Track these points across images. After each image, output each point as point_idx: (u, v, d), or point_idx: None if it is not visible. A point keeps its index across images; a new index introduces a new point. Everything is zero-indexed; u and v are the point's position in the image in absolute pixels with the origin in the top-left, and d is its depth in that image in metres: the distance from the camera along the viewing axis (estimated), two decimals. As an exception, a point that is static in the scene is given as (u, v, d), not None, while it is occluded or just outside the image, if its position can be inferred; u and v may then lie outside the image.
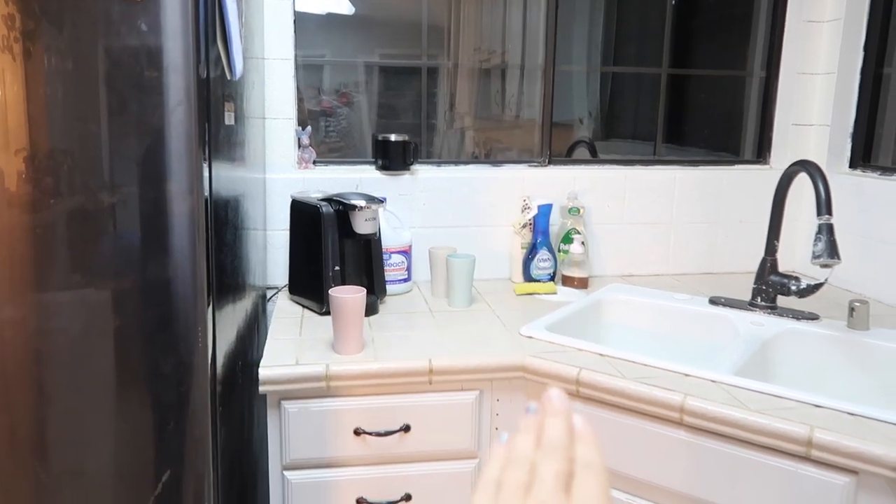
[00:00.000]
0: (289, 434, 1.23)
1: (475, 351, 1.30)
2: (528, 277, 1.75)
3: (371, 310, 1.48)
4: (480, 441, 1.31)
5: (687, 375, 1.19)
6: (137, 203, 0.88)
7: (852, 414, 1.05)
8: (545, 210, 1.74)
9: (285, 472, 1.25)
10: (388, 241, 1.64)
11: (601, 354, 1.28)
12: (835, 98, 1.87)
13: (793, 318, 1.48)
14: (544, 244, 1.74)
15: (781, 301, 1.53)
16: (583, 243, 1.75)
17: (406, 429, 1.26)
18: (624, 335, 1.63)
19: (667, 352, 1.56)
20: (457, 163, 1.84)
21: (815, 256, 1.28)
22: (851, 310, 1.42)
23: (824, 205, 1.30)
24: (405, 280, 1.69)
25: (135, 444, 0.90)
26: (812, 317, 1.48)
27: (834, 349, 1.40)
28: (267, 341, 1.33)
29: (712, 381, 1.17)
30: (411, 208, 1.77)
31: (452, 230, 1.80)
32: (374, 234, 1.52)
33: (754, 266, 1.74)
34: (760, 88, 2.00)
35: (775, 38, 1.93)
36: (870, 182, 1.73)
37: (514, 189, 1.81)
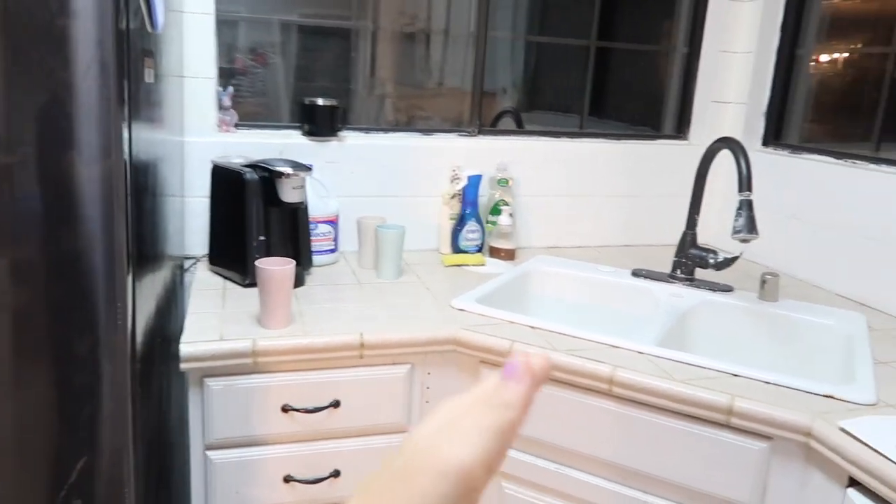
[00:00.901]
0: (212, 413, 1.18)
1: (407, 324, 1.28)
2: (457, 249, 1.74)
3: (298, 281, 1.43)
4: (411, 415, 1.29)
5: (615, 347, 1.22)
6: (39, 165, 0.80)
7: (768, 382, 1.11)
8: (475, 181, 1.72)
9: (208, 453, 1.20)
10: (315, 210, 1.58)
11: (532, 327, 1.29)
12: (752, 77, 1.93)
13: (709, 289, 1.54)
14: (473, 215, 1.73)
15: (699, 273, 1.59)
16: (511, 215, 1.76)
17: (336, 404, 1.23)
18: (552, 307, 1.65)
19: (593, 323, 1.60)
20: (386, 130, 1.79)
21: (736, 231, 1.33)
22: (763, 282, 1.50)
23: (745, 181, 1.34)
24: (332, 251, 1.64)
25: (44, 433, 0.82)
26: (727, 289, 1.54)
27: (746, 319, 1.47)
28: (187, 315, 1.26)
29: (639, 352, 1.20)
30: (338, 176, 1.71)
31: (381, 200, 1.76)
32: (302, 202, 1.46)
33: (672, 239, 1.79)
34: (683, 64, 2.04)
35: (699, 15, 1.98)
36: (781, 160, 1.81)
37: (444, 159, 1.78)
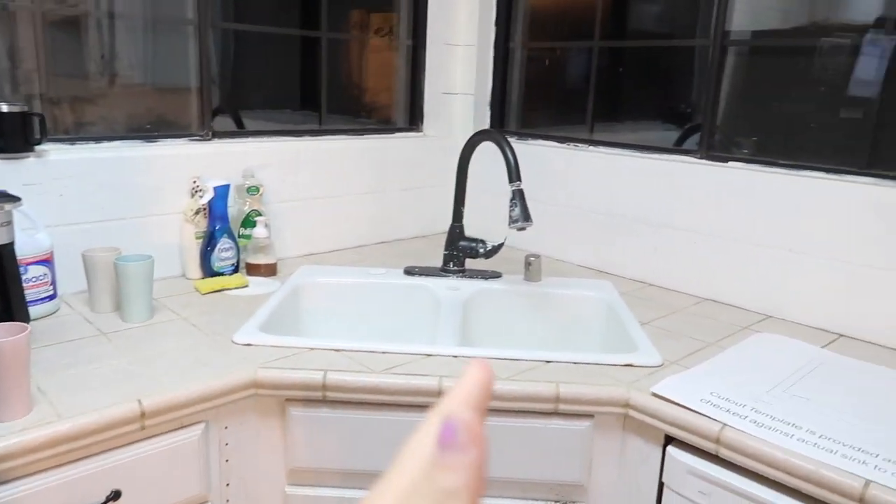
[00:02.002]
0: (-69, 556, 0.83)
1: (190, 375, 1.06)
2: (210, 272, 1.51)
3: (19, 347, 1.09)
4: (210, 481, 1.09)
5: (429, 356, 1.17)
6: None
7: (576, 363, 1.16)
8: (223, 192, 1.51)
9: None
10: (21, 248, 1.22)
11: (337, 350, 1.18)
12: (476, 69, 2.03)
13: (481, 278, 1.58)
14: (224, 231, 1.52)
15: (469, 263, 1.62)
16: (267, 225, 1.58)
17: (115, 497, 0.97)
18: (337, 320, 1.54)
19: (384, 329, 1.53)
20: (98, 139, 1.47)
21: (513, 221, 1.37)
22: (528, 264, 1.58)
23: (514, 171, 1.39)
24: (50, 297, 1.29)
25: None
26: (496, 275, 1.60)
27: (519, 301, 1.55)
28: None
29: (453, 356, 1.17)
30: (44, 202, 1.35)
31: (105, 226, 1.44)
32: (9, 242, 1.11)
33: (422, 230, 1.80)
34: (409, 57, 2.05)
35: (419, 8, 2.00)
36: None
37: (178, 169, 1.53)
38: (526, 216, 1.36)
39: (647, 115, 1.81)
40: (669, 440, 1.04)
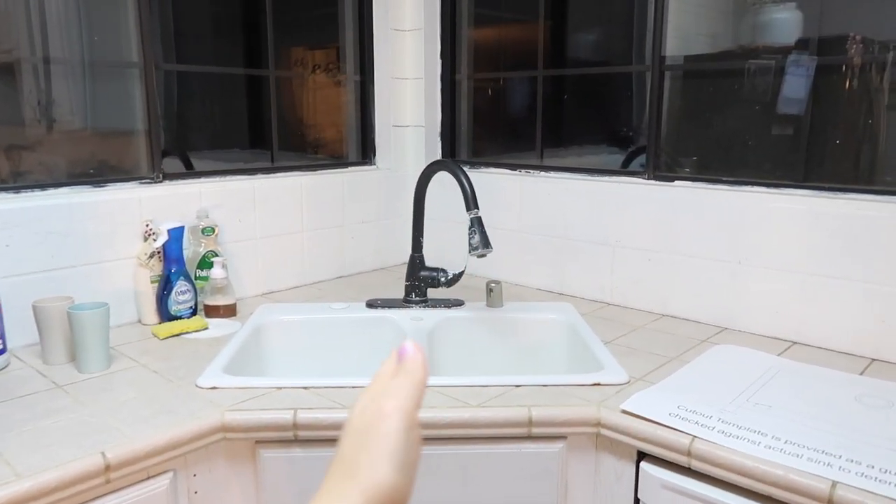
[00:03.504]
0: None
1: (154, 423, 1.03)
2: (167, 315, 1.48)
3: (-30, 406, 1.04)
4: (180, 531, 1.05)
5: (399, 387, 1.16)
6: None
7: (545, 385, 1.18)
8: (177, 234, 1.48)
9: None
10: (-33, 303, 1.17)
11: (305, 388, 1.16)
12: (425, 101, 2.06)
13: (444, 306, 1.59)
14: (180, 274, 1.49)
15: (431, 293, 1.63)
16: (224, 266, 1.56)
17: (82, 555, 0.92)
18: (301, 358, 1.51)
19: (350, 364, 1.51)
20: (44, 186, 1.43)
21: (473, 248, 1.38)
22: (489, 291, 1.60)
23: (472, 199, 1.41)
24: (0, 352, 1.24)
25: None
26: (458, 303, 1.61)
27: (482, 328, 1.56)
28: None
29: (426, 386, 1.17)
30: (-11, 254, 1.30)
31: (54, 274, 1.39)
32: (-45, 298, 1.07)
33: (381, 263, 1.79)
34: (357, 92, 2.07)
35: (365, 44, 2.02)
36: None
37: (130, 213, 1.50)
38: (486, 243, 1.38)
39: (591, 140, 1.86)
40: (642, 456, 1.06)
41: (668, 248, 1.57)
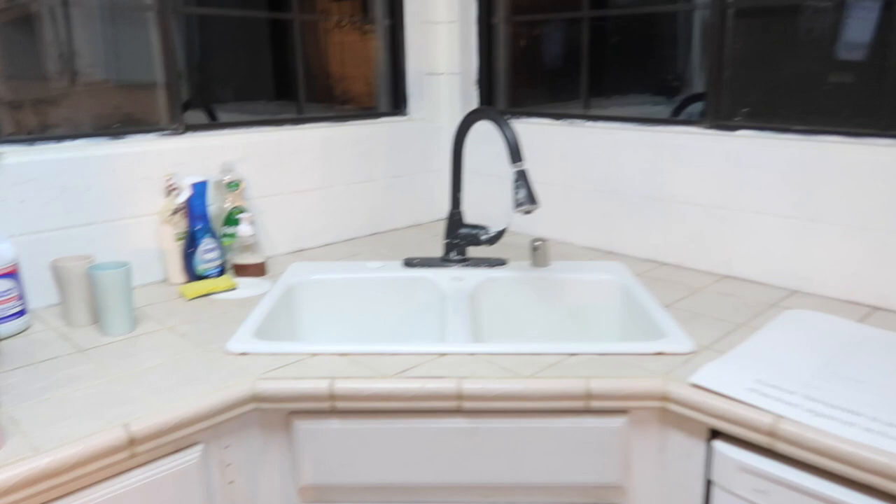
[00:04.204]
0: None
1: (182, 392, 0.95)
2: (194, 275, 1.40)
3: (-14, 373, 0.97)
4: (212, 507, 0.98)
5: (442, 355, 1.07)
6: None
7: (602, 354, 1.07)
8: (200, 189, 1.39)
9: None
10: (-19, 262, 1.10)
11: (342, 354, 1.07)
12: (460, 47, 1.92)
13: (486, 266, 1.48)
14: (206, 231, 1.40)
15: (471, 251, 1.52)
16: (252, 223, 1.47)
17: (107, 534, 0.86)
18: (335, 320, 1.43)
19: (388, 327, 1.43)
20: (60, 138, 1.34)
21: (518, 204, 1.27)
22: (534, 249, 1.49)
23: (516, 151, 1.29)
24: (19, 314, 1.17)
25: None
26: (501, 262, 1.50)
27: (527, 289, 1.45)
28: None
29: (469, 353, 1.07)
30: (3, 210, 1.22)
31: (75, 232, 1.31)
32: (-34, 257, 0.99)
33: (416, 219, 1.69)
34: (388, 38, 1.94)
35: (396, -15, 1.88)
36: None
37: (151, 167, 1.40)
38: (532, 198, 1.27)
39: (635, 88, 1.72)
40: (715, 434, 0.96)
41: (729, 204, 1.44)
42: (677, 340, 1.10)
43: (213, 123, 1.58)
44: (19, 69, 1.31)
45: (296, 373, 1.01)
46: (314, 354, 1.07)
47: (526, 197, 1.27)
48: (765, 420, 0.87)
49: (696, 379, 0.97)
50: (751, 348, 1.06)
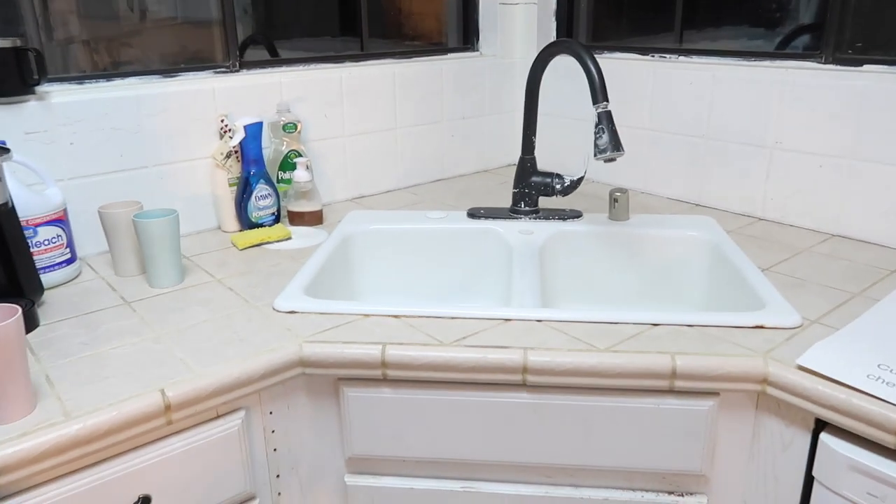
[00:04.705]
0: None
1: (225, 354, 0.88)
2: (248, 223, 1.33)
3: (28, 325, 0.93)
4: (256, 475, 0.93)
5: (507, 320, 0.96)
6: None
7: (690, 325, 0.94)
8: (255, 131, 1.31)
9: None
10: (28, 208, 1.06)
11: (396, 316, 0.98)
12: (538, -28, 1.74)
13: (559, 218, 1.35)
14: (261, 176, 1.33)
15: (542, 202, 1.39)
16: (308, 167, 1.38)
17: (145, 502, 0.81)
18: (393, 276, 1.34)
19: (449, 285, 1.33)
20: (109, 76, 1.27)
21: (600, 150, 1.12)
22: (614, 200, 1.34)
23: (600, 90, 1.13)
24: (69, 261, 1.13)
25: None
26: (576, 214, 1.37)
27: (607, 244, 1.31)
28: None
29: (537, 320, 0.96)
30: (51, 153, 1.17)
31: (124, 176, 1.26)
32: (5, 203, 0.94)
33: (485, 165, 1.55)
34: (459, -36, 1.77)
35: None
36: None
37: (203, 107, 1.33)
38: (616, 144, 1.12)
39: (729, 20, 1.49)
40: (821, 425, 0.82)
41: (846, 152, 1.24)
42: (780, 312, 0.95)
43: (270, 60, 1.48)
44: (92, 9, 1.25)
45: (346, 336, 0.92)
46: (366, 315, 0.98)
47: (609, 142, 1.12)
48: (890, 416, 0.73)
49: (803, 360, 0.82)
50: (869, 324, 0.90)
